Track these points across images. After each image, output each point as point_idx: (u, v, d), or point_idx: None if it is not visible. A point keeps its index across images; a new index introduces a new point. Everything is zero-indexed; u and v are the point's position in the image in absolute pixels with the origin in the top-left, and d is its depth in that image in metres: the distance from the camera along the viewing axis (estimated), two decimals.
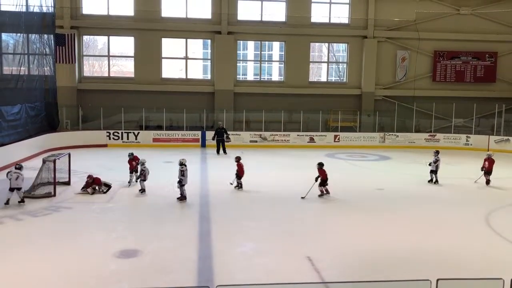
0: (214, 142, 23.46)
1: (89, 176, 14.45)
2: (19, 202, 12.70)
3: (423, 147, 26.80)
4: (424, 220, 12.18)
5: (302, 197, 13.96)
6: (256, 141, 26.26)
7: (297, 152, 24.27)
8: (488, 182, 16.42)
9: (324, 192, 14.31)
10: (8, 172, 12.93)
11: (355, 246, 9.94)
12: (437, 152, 16.79)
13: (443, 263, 9.05)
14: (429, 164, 16.71)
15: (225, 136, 23.36)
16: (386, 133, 27.52)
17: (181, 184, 13.35)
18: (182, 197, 13.37)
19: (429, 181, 16.61)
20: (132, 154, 15.68)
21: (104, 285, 7.64)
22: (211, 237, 10.41)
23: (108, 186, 14.51)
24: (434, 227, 11.61)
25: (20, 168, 13.06)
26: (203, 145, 25.44)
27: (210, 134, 24.77)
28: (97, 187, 14.28)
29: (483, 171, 16.58)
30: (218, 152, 23.19)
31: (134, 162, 15.28)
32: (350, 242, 10.26)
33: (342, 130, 27.60)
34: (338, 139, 26.95)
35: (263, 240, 10.32)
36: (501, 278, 5.12)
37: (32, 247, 9.58)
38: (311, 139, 26.76)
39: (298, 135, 26.75)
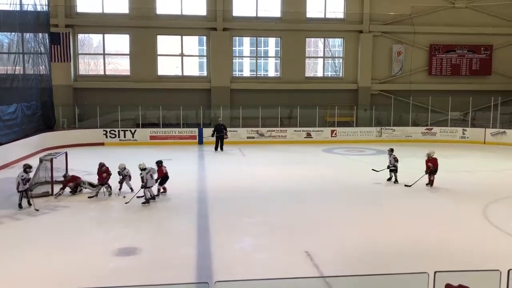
0: (213, 139, 23.44)
1: (64, 176, 14.08)
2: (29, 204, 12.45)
3: (420, 140, 26.90)
4: (422, 213, 12.23)
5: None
6: (253, 137, 26.28)
7: (294, 148, 24.32)
8: (432, 183, 14.95)
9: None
10: (23, 177, 12.33)
11: (353, 241, 9.98)
12: (391, 150, 15.99)
13: (441, 256, 9.10)
14: (388, 167, 15.75)
15: (224, 132, 23.37)
16: (383, 127, 27.58)
17: (145, 187, 12.80)
18: (147, 201, 12.77)
19: (388, 180, 15.72)
20: (103, 165, 13.98)
21: (103, 283, 7.64)
22: (209, 234, 10.43)
23: (93, 186, 14.01)
24: (432, 220, 11.66)
25: (29, 168, 12.68)
26: (200, 142, 25.43)
27: (207, 131, 24.79)
28: (77, 187, 13.93)
29: (426, 173, 15.00)
30: (216, 149, 23.19)
31: (104, 174, 13.77)
32: (349, 236, 10.30)
33: (339, 125, 27.65)
34: (335, 134, 26.99)
35: (262, 236, 10.35)
36: (498, 270, 5.16)
37: (31, 247, 9.57)
38: (308, 135, 26.79)
39: (295, 130, 26.78)
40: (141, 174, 12.86)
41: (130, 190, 13.67)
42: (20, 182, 12.26)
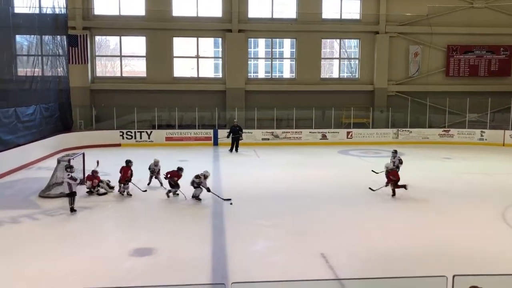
0: (228, 140, 23.47)
1: (80, 181, 13.87)
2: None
3: (437, 142, 26.58)
4: (440, 216, 12.06)
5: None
6: (268, 139, 26.25)
7: (309, 150, 24.21)
8: (394, 193, 14.02)
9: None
10: (70, 176, 11.97)
11: (369, 243, 9.89)
12: (395, 152, 15.49)
13: (459, 260, 8.96)
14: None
15: (240, 133, 23.39)
16: (399, 129, 27.30)
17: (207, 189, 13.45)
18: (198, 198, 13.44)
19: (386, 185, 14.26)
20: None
21: (119, 283, 7.70)
22: (225, 236, 10.44)
23: (111, 187, 14.29)
24: (449, 222, 11.50)
25: (70, 168, 12.26)
26: (215, 143, 25.49)
27: (222, 133, 24.83)
28: (95, 187, 14.03)
29: (388, 185, 14.13)
30: (231, 150, 23.22)
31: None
32: (364, 239, 10.21)
33: (354, 127, 27.45)
34: (351, 135, 26.82)
35: (277, 238, 10.31)
36: None
37: (48, 246, 9.70)
38: (324, 136, 26.66)
39: (310, 132, 26.67)
40: (198, 180, 13.27)
41: (159, 185, 14.59)
42: (72, 183, 11.86)
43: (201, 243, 9.88)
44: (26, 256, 9.12)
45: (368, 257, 9.09)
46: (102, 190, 14.16)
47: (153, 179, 15.22)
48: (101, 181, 14.33)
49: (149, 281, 7.87)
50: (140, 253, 9.20)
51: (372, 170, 16.16)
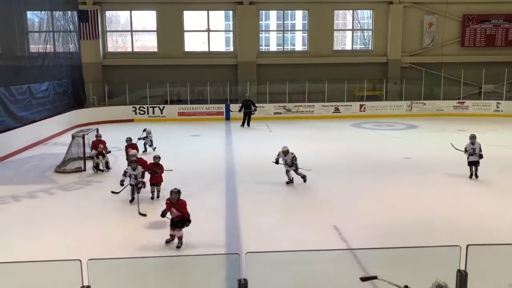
0: (240, 115, 23.43)
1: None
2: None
3: (452, 114, 26.27)
4: (453, 188, 12.01)
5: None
6: (280, 113, 26.16)
7: (322, 123, 24.11)
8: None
9: None
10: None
11: (383, 216, 9.91)
12: (473, 137, 12.69)
13: (473, 230, 8.96)
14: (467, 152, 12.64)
15: (252, 108, 23.28)
16: (413, 101, 26.98)
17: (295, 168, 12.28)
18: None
19: (470, 177, 12.66)
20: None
21: (133, 254, 7.86)
22: (238, 208, 10.54)
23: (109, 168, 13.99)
24: (463, 195, 11.46)
25: (134, 163, 10.86)
26: (227, 118, 25.49)
27: (234, 107, 24.79)
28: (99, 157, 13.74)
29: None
30: (243, 124, 23.19)
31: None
32: (378, 211, 10.24)
33: (368, 100, 27.20)
34: (364, 108, 26.60)
35: (290, 211, 10.40)
36: None
37: (64, 219, 9.90)
38: (336, 110, 26.49)
39: (322, 105, 26.50)
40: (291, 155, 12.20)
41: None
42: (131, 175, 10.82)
43: (215, 216, 10.00)
44: (44, 228, 9.33)
45: (382, 229, 9.13)
46: (100, 166, 13.85)
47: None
48: (105, 152, 13.97)
49: (164, 253, 8.02)
50: (155, 226, 9.32)
51: (452, 144, 13.88)
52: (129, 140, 14.22)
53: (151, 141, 16.97)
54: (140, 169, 10.93)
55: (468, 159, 12.63)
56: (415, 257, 5.30)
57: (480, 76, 27.11)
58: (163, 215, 8.51)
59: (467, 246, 4.69)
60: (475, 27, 28.57)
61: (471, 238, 8.19)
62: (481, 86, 27.53)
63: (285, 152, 12.26)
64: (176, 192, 8.41)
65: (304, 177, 12.35)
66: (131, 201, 10.88)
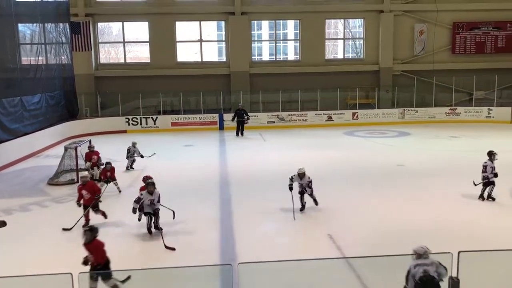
0: (234, 124, 23.45)
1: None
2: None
3: (444, 121, 26.43)
4: (446, 195, 12.05)
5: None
6: (273, 122, 26.21)
7: (315, 132, 24.18)
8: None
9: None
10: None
11: (376, 223, 9.92)
12: (492, 155, 11.68)
13: (465, 238, 8.98)
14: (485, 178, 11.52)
15: (245, 117, 23.32)
16: (405, 108, 27.14)
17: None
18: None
19: (480, 197, 11.54)
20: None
21: (128, 265, 7.80)
22: (232, 218, 10.51)
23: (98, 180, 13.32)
24: (456, 202, 11.49)
25: (151, 186, 9.30)
26: (221, 127, 25.49)
27: (227, 117, 24.81)
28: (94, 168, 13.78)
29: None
30: (237, 134, 23.21)
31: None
32: (372, 219, 10.25)
33: (360, 108, 27.31)
34: (357, 116, 26.71)
35: (284, 220, 10.36)
36: None
37: (57, 231, 9.81)
38: (329, 118, 26.58)
39: (315, 114, 26.58)
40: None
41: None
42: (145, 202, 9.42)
43: (209, 225, 9.97)
44: (35, 242, 9.25)
45: (376, 237, 9.14)
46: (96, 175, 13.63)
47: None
48: (99, 164, 13.94)
49: (158, 263, 7.97)
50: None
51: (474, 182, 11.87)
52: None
53: (139, 152, 15.90)
54: (157, 192, 9.37)
55: (490, 178, 11.40)
56: (408, 265, 5.30)
57: (471, 83, 27.34)
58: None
59: (459, 252, 4.71)
60: (465, 34, 28.86)
61: (464, 246, 8.21)
62: (472, 92, 27.74)
63: (301, 175, 10.60)
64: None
65: (316, 201, 10.93)
66: (150, 233, 9.38)
